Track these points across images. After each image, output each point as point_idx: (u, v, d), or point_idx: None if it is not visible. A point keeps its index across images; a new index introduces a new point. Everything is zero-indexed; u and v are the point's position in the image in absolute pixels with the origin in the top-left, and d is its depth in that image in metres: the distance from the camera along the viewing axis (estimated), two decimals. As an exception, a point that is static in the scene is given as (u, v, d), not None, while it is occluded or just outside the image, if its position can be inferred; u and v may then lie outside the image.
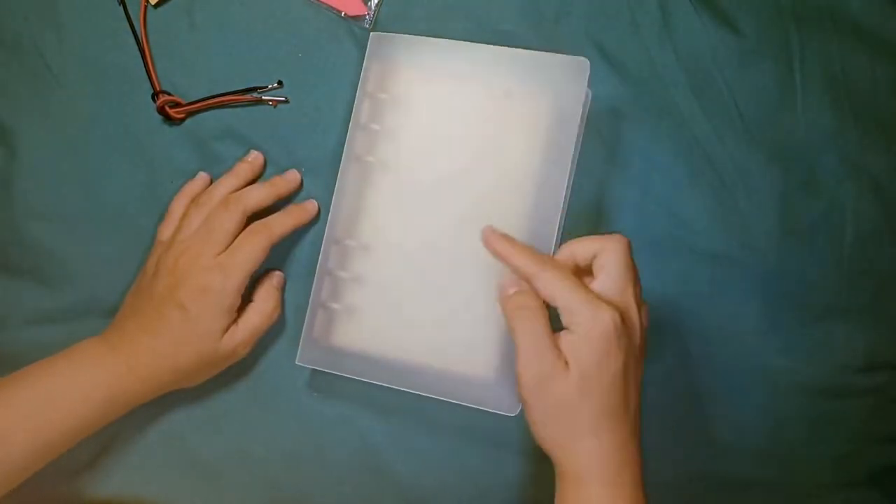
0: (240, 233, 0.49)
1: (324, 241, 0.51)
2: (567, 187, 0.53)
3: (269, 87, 0.54)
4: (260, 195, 0.51)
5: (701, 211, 0.53)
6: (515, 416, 0.45)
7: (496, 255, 0.43)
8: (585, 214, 0.53)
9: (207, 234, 0.48)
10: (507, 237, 0.43)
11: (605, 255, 0.42)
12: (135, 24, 0.53)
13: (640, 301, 0.43)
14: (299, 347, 0.50)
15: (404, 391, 0.48)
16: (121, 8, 0.55)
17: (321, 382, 0.55)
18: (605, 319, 0.39)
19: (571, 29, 0.54)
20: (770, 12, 0.53)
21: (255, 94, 0.53)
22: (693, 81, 0.53)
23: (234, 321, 0.49)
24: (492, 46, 0.49)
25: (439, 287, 0.49)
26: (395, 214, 0.51)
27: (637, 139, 0.53)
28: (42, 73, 0.56)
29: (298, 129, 0.55)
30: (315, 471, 0.55)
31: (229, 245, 0.48)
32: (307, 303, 0.51)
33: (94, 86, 0.56)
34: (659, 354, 0.53)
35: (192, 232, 0.49)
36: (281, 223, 0.50)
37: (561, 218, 0.47)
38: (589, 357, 0.40)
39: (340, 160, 0.51)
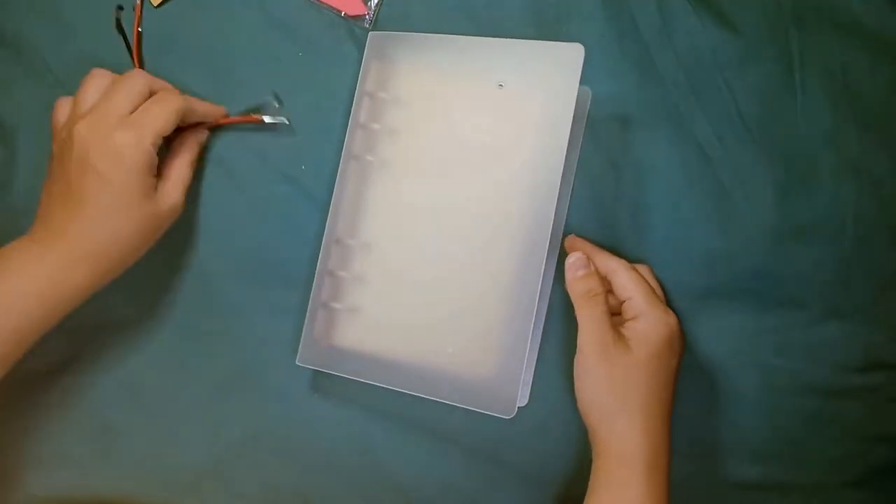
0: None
1: (324, 241, 0.51)
2: (567, 183, 0.53)
3: (273, 104, 0.54)
4: (166, 85, 0.50)
5: (700, 211, 0.53)
6: (514, 420, 0.45)
7: (582, 250, 0.48)
8: (586, 215, 0.53)
9: (107, 101, 0.46)
10: (587, 241, 0.51)
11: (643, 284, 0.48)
12: (128, 37, 0.53)
13: None
14: (299, 348, 0.50)
15: (404, 392, 0.48)
16: (121, 8, 0.55)
17: (321, 383, 0.55)
18: (672, 322, 0.46)
19: (571, 29, 0.54)
20: (770, 12, 0.53)
21: (258, 116, 0.53)
22: (693, 81, 0.53)
23: (158, 176, 0.48)
24: (487, 38, 0.49)
25: (440, 287, 0.49)
26: (395, 213, 0.51)
27: (637, 140, 0.53)
28: (42, 73, 0.56)
29: (298, 128, 0.55)
30: (315, 471, 0.55)
31: (134, 110, 0.46)
32: (307, 303, 0.51)
33: (94, 86, 0.56)
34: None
35: (90, 103, 0.47)
36: (192, 99, 0.50)
37: (558, 210, 0.47)
38: (654, 346, 0.45)
39: (340, 159, 0.51)
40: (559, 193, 0.46)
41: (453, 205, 0.49)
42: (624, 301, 0.47)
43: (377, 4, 0.55)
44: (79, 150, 0.44)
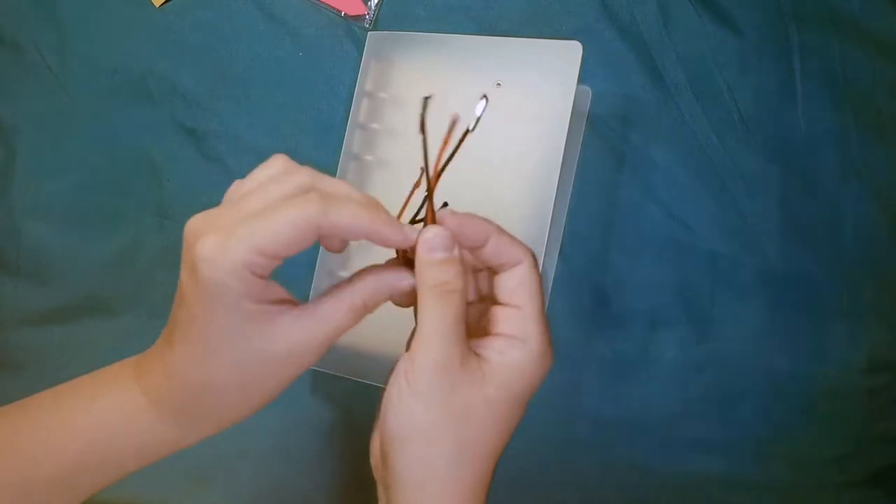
0: None
1: (323, 241, 0.51)
2: (566, 182, 0.52)
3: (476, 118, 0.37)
4: (344, 190, 0.32)
5: (701, 211, 0.53)
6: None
7: (459, 226, 0.33)
8: (586, 215, 0.53)
9: (241, 198, 0.31)
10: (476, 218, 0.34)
11: (527, 268, 0.32)
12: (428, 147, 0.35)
13: None
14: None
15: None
16: (121, 9, 0.56)
17: (321, 382, 0.55)
18: (548, 365, 0.32)
19: (571, 29, 0.54)
20: (770, 12, 0.53)
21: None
22: (693, 81, 0.53)
23: (293, 314, 0.31)
24: (485, 37, 0.49)
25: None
26: (394, 212, 0.51)
27: (637, 140, 0.53)
28: (42, 73, 0.56)
29: (298, 128, 0.55)
30: (315, 471, 0.55)
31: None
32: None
33: (95, 86, 0.56)
34: (659, 354, 0.53)
35: (240, 193, 0.32)
36: (351, 208, 0.30)
37: (557, 208, 0.47)
38: (519, 387, 0.31)
39: (339, 159, 0.51)
40: (558, 192, 0.46)
41: (452, 204, 0.49)
42: (501, 306, 0.33)
43: (377, 4, 0.55)
44: (184, 257, 0.30)
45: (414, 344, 0.32)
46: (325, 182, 0.31)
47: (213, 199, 0.53)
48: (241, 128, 0.55)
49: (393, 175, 0.51)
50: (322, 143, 0.54)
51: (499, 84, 0.48)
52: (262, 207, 0.29)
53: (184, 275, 0.30)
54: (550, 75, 0.47)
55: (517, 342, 0.31)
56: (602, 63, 0.53)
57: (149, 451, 0.32)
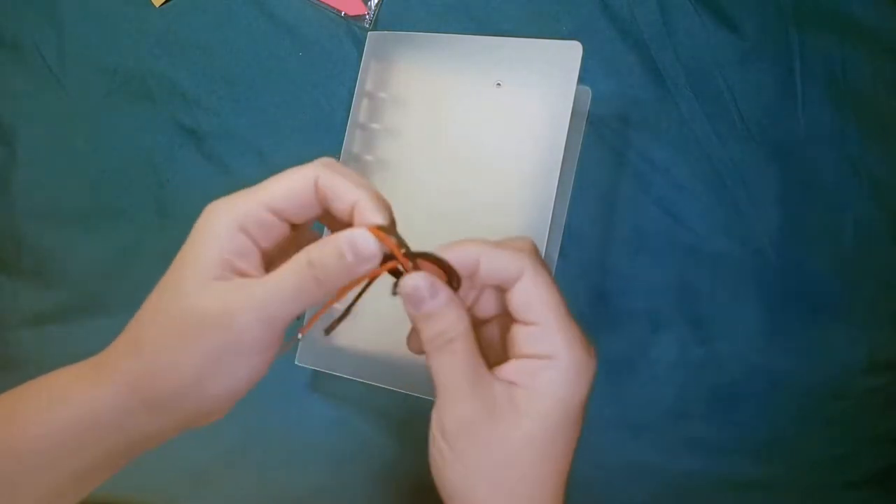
0: None
1: (323, 241, 0.51)
2: (566, 182, 0.52)
3: None
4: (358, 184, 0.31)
5: (701, 211, 0.53)
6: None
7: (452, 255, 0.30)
8: (586, 215, 0.53)
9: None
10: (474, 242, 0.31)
11: (532, 278, 0.30)
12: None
13: None
14: (299, 348, 0.50)
15: (403, 392, 0.48)
16: (121, 9, 0.56)
17: (321, 383, 0.55)
18: (594, 368, 0.29)
19: (571, 29, 0.54)
20: (770, 12, 0.53)
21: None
22: (693, 81, 0.53)
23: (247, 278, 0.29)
24: (485, 37, 0.49)
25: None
26: (394, 212, 0.51)
27: (637, 139, 0.53)
28: (42, 73, 0.56)
29: (298, 128, 0.55)
30: (314, 471, 0.55)
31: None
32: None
33: (94, 86, 0.56)
34: (660, 354, 0.53)
35: None
36: (340, 172, 0.31)
37: (557, 208, 0.47)
38: (561, 412, 0.29)
39: (339, 159, 0.51)
40: (558, 192, 0.46)
41: (452, 204, 0.49)
42: (519, 325, 0.30)
43: (377, 4, 0.55)
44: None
45: (438, 400, 0.30)
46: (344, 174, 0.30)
47: (213, 199, 0.54)
48: (241, 128, 0.55)
49: (393, 175, 0.51)
50: (322, 143, 0.54)
51: (499, 84, 0.48)
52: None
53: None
54: (550, 75, 0.47)
55: (545, 362, 0.29)
56: (602, 63, 0.53)
57: (122, 444, 0.31)
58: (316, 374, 0.54)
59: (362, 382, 0.49)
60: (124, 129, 0.56)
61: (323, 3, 0.55)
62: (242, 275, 0.29)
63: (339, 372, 0.49)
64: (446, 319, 0.29)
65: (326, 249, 0.28)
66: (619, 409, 0.53)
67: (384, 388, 0.48)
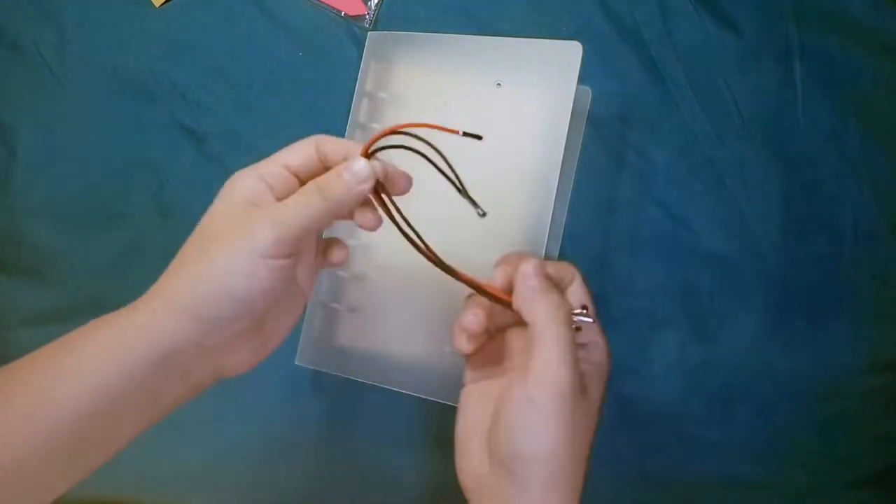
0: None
1: (323, 241, 0.51)
2: (567, 182, 0.52)
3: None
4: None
5: (701, 211, 0.53)
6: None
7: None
8: (586, 215, 0.53)
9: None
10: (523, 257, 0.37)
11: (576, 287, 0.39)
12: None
13: None
14: (298, 347, 0.50)
15: (403, 392, 0.48)
16: (121, 9, 0.56)
17: (321, 383, 0.55)
18: (609, 355, 0.38)
19: (571, 29, 0.54)
20: (770, 12, 0.53)
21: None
22: (693, 81, 0.53)
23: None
24: (485, 37, 0.49)
25: (441, 287, 0.49)
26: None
27: (637, 139, 0.53)
28: (42, 73, 0.56)
29: (298, 128, 0.55)
30: (314, 471, 0.55)
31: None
32: (307, 303, 0.51)
33: (94, 86, 0.56)
34: (660, 354, 0.53)
35: None
36: (331, 139, 0.37)
37: (557, 208, 0.47)
38: (604, 383, 0.36)
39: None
40: (559, 192, 0.46)
41: (452, 204, 0.49)
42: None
43: (377, 4, 0.55)
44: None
45: (541, 368, 0.33)
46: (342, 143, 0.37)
47: (213, 199, 0.54)
48: (241, 128, 0.55)
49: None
50: (322, 143, 0.54)
51: (499, 84, 0.48)
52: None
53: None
54: (550, 75, 0.47)
55: (593, 347, 0.36)
56: (602, 63, 0.53)
57: (178, 363, 0.33)
58: (316, 374, 0.54)
59: (362, 382, 0.49)
60: (124, 129, 0.56)
61: (323, 3, 0.55)
62: (262, 201, 0.35)
63: (339, 372, 0.49)
64: (558, 294, 0.35)
65: (329, 174, 0.36)
66: (619, 408, 0.53)
67: (384, 388, 0.48)
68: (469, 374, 0.39)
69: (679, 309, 0.52)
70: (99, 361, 0.32)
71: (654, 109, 0.53)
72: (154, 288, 0.35)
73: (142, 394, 0.33)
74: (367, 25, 0.55)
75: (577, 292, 0.38)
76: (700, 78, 0.53)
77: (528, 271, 0.35)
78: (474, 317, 0.37)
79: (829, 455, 0.52)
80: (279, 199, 0.35)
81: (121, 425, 0.33)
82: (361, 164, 0.35)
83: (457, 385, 0.47)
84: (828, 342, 0.52)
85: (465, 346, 0.37)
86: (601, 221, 0.53)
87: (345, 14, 0.55)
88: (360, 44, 0.54)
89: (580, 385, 0.34)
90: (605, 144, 0.53)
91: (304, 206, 0.34)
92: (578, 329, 0.37)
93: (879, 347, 0.52)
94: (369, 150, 0.37)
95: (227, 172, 0.55)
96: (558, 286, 0.37)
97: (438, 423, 0.54)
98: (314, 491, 0.55)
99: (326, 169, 0.37)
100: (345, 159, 0.36)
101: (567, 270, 0.38)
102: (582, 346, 0.37)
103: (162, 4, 0.56)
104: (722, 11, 0.53)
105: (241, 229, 0.33)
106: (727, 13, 0.53)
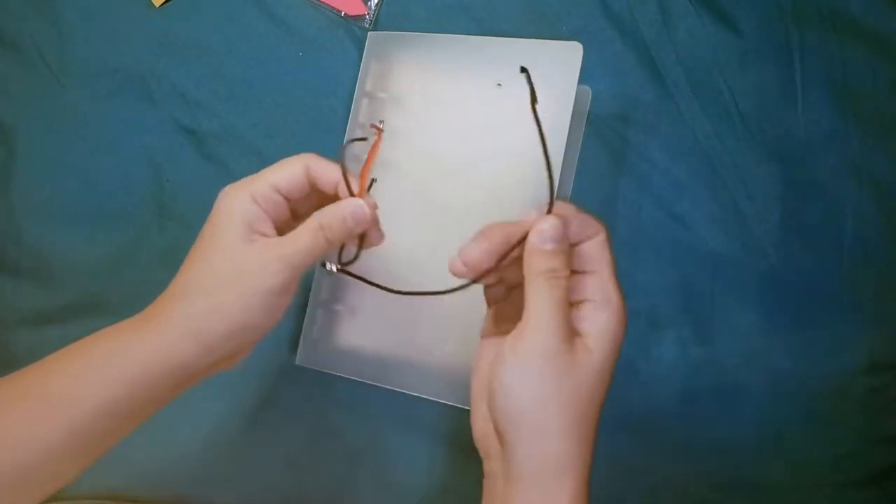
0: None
1: (323, 241, 0.51)
2: (567, 182, 0.53)
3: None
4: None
5: (701, 211, 0.53)
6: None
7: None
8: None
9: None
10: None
11: (603, 238, 0.37)
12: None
13: None
14: (298, 348, 0.50)
15: (403, 392, 0.48)
16: (121, 9, 0.56)
17: (321, 383, 0.55)
18: (624, 316, 0.36)
19: (571, 29, 0.54)
20: (770, 12, 0.53)
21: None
22: (693, 81, 0.53)
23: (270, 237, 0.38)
24: (486, 38, 0.49)
25: (440, 286, 0.49)
26: (395, 213, 0.50)
27: (637, 139, 0.53)
28: (42, 73, 0.56)
29: (298, 128, 0.55)
30: (314, 471, 0.55)
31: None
32: (307, 303, 0.51)
33: (94, 86, 0.56)
34: (659, 354, 0.53)
35: None
36: (322, 161, 0.40)
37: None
38: (614, 344, 0.35)
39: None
40: (559, 192, 0.46)
41: (452, 204, 0.49)
42: (580, 275, 0.36)
43: (377, 4, 0.55)
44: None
45: (524, 327, 0.34)
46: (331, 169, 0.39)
47: (213, 199, 0.54)
48: (241, 128, 0.55)
49: (393, 175, 0.51)
50: (322, 143, 0.54)
51: (499, 84, 0.48)
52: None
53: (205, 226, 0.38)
54: (550, 75, 0.47)
55: (603, 305, 0.35)
56: (602, 63, 0.53)
57: (169, 372, 0.37)
58: (316, 374, 0.54)
59: (363, 383, 0.49)
60: (124, 129, 0.56)
61: (323, 3, 0.55)
62: (263, 235, 0.37)
63: (339, 372, 0.49)
64: (561, 260, 0.34)
65: (333, 216, 0.38)
66: (619, 408, 0.53)
67: (384, 388, 0.48)
68: (484, 329, 0.40)
69: (679, 309, 0.52)
70: (113, 373, 0.36)
71: (654, 109, 0.53)
72: (163, 306, 0.37)
73: (147, 402, 0.37)
74: (367, 25, 0.55)
75: (592, 248, 0.36)
76: (700, 78, 0.53)
77: (544, 229, 0.35)
78: (475, 245, 0.36)
79: (829, 455, 0.52)
80: (276, 226, 0.38)
81: (125, 425, 0.37)
82: (365, 211, 0.38)
83: (457, 385, 0.47)
84: (828, 342, 0.52)
85: (460, 267, 0.36)
86: (601, 221, 0.53)
87: (345, 14, 0.55)
88: (360, 44, 0.54)
89: (568, 339, 0.34)
90: (605, 144, 0.53)
91: (310, 246, 0.37)
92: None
93: (879, 347, 0.52)
94: (365, 188, 0.39)
95: (228, 172, 0.55)
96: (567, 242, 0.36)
97: (439, 423, 0.54)
98: (314, 490, 0.55)
99: (315, 191, 0.39)
100: (336, 188, 0.39)
101: (590, 226, 0.36)
102: (581, 303, 0.35)
103: (162, 4, 0.56)
104: (722, 11, 0.53)
105: (255, 268, 0.36)
106: (727, 13, 0.53)
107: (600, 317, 0.35)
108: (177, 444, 0.55)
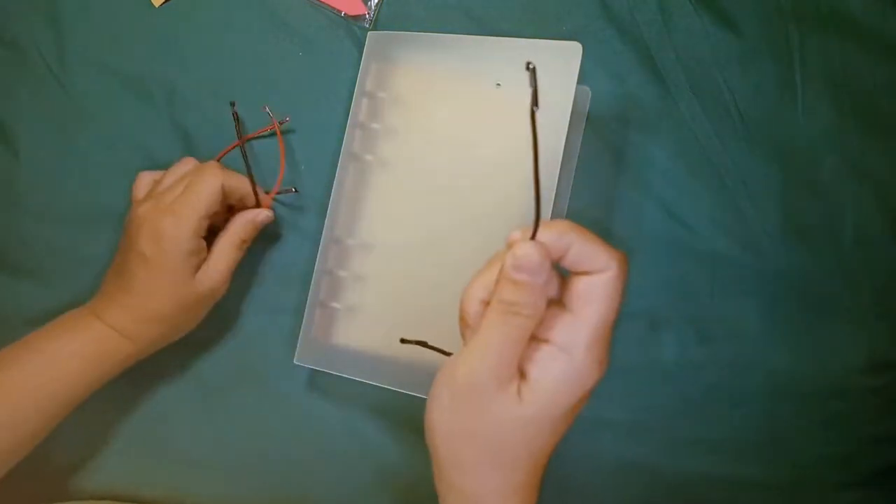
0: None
1: (322, 240, 0.51)
2: (566, 182, 0.52)
3: (282, 121, 0.54)
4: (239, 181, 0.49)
5: (701, 211, 0.53)
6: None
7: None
8: (586, 215, 0.53)
9: (169, 186, 0.48)
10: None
11: (605, 279, 0.32)
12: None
13: None
14: (297, 347, 0.50)
15: (402, 392, 0.48)
16: (121, 9, 0.56)
17: (320, 382, 0.55)
18: (596, 369, 0.31)
19: (571, 29, 0.54)
20: (770, 12, 0.53)
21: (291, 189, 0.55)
22: (693, 81, 0.53)
23: (205, 259, 0.48)
24: (485, 38, 0.49)
25: (440, 285, 0.49)
26: (394, 212, 0.51)
27: (637, 139, 0.53)
28: (42, 73, 0.56)
29: (298, 128, 0.55)
30: (314, 470, 0.55)
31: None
32: (306, 302, 0.51)
33: (94, 86, 0.56)
34: (659, 354, 0.53)
35: (164, 187, 0.49)
36: (233, 177, 0.49)
37: (556, 209, 0.47)
38: (561, 407, 0.31)
39: (339, 159, 0.51)
40: (558, 192, 0.46)
41: (452, 204, 0.49)
42: (558, 309, 0.32)
43: (377, 4, 0.55)
44: (135, 230, 0.47)
45: (469, 345, 0.32)
46: (230, 174, 0.49)
47: (212, 198, 0.53)
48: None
49: (393, 175, 0.51)
50: (322, 142, 0.54)
51: (499, 84, 0.48)
52: (186, 189, 0.47)
53: (145, 243, 0.46)
54: (550, 75, 0.47)
55: (560, 354, 0.31)
56: (602, 63, 0.53)
57: (113, 360, 0.48)
58: (314, 373, 0.54)
59: (362, 382, 0.49)
60: (124, 129, 0.56)
61: (323, 3, 0.55)
62: (200, 259, 0.48)
63: (339, 372, 0.49)
64: (527, 293, 0.30)
65: (250, 229, 0.50)
66: (619, 408, 0.53)
67: (384, 388, 0.48)
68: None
69: (679, 309, 0.52)
70: (80, 359, 0.47)
71: (654, 109, 0.53)
72: (117, 298, 0.48)
73: (106, 374, 0.48)
74: (367, 25, 0.55)
75: (590, 286, 0.32)
76: (700, 78, 0.53)
77: (521, 255, 0.30)
78: (531, 254, 0.30)
79: (829, 455, 0.52)
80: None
81: (85, 393, 0.48)
82: (271, 215, 0.52)
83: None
84: (828, 342, 0.52)
85: (522, 276, 0.31)
86: (600, 221, 0.53)
87: (345, 14, 0.55)
88: (360, 44, 0.54)
89: (504, 380, 0.31)
90: (605, 144, 0.53)
91: (235, 260, 0.50)
92: None
93: (879, 347, 0.52)
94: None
95: (227, 172, 0.55)
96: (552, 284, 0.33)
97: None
98: (313, 490, 0.55)
99: (223, 204, 0.49)
100: (242, 199, 0.50)
101: (598, 259, 0.31)
102: (544, 342, 0.32)
103: (162, 4, 0.56)
104: (722, 11, 0.53)
105: (210, 294, 0.49)
106: (727, 13, 0.53)
107: (552, 366, 0.31)
108: (176, 444, 0.55)
